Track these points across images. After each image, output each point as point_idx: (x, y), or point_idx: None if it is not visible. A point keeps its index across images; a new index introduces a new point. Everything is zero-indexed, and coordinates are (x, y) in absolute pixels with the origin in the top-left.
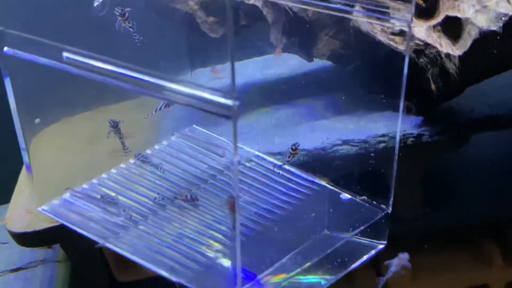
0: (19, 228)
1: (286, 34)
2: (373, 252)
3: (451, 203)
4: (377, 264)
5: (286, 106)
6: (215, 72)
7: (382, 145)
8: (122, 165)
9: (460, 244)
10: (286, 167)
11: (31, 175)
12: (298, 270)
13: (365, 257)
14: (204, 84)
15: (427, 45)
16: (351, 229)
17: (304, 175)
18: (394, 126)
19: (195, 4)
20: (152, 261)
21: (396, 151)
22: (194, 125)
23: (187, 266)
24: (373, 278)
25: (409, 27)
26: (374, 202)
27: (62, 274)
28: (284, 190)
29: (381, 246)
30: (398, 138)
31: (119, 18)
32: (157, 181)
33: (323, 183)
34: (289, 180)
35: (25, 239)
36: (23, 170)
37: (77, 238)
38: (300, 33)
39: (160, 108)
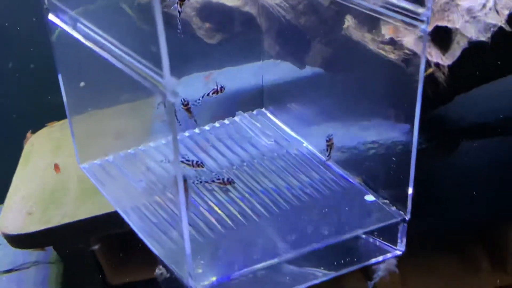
0: (13, 230)
1: (279, 42)
2: (389, 255)
3: (440, 209)
4: (365, 267)
5: (279, 112)
6: (207, 77)
7: (372, 151)
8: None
9: (448, 250)
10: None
11: (72, 135)
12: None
13: (378, 259)
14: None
15: (416, 54)
16: (360, 228)
17: (340, 171)
18: (384, 133)
19: (192, 10)
20: (144, 228)
21: (414, 155)
22: (263, 109)
23: (172, 241)
24: (362, 281)
25: (425, 33)
26: (394, 208)
27: (55, 276)
28: (311, 182)
29: (399, 253)
30: (415, 140)
31: (182, 107)
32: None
33: (357, 181)
34: (322, 173)
35: (18, 241)
36: (17, 172)
37: (70, 240)
38: (293, 40)
39: (208, 94)
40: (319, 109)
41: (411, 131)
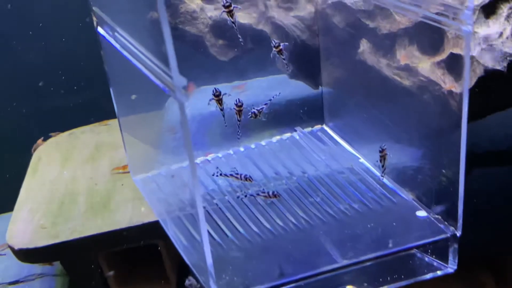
0: (20, 244)
1: (293, 61)
2: (438, 273)
3: None
4: None
5: (289, 130)
6: (237, 87)
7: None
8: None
9: (456, 275)
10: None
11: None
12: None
13: (427, 276)
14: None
15: (431, 81)
16: (407, 244)
17: (393, 186)
18: (399, 157)
19: (205, 27)
20: (179, 238)
21: (462, 170)
22: (324, 126)
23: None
24: None
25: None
26: (446, 223)
27: None
28: (360, 197)
29: (450, 270)
30: (463, 149)
31: (274, 49)
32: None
33: (411, 197)
34: (374, 189)
35: (26, 255)
36: (25, 184)
37: (78, 255)
38: (306, 60)
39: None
40: (376, 125)
41: (422, 156)
